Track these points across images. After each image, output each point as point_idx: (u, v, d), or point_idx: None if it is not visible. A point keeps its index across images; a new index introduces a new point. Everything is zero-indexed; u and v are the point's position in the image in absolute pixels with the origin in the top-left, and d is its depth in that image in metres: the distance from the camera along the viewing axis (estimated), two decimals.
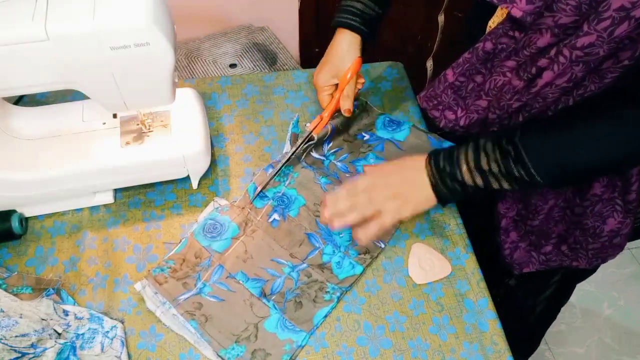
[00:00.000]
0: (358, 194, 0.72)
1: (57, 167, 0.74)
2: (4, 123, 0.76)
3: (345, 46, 0.84)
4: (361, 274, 0.75)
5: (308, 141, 0.84)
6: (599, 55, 0.56)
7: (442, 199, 0.70)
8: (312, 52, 1.57)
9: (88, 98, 0.68)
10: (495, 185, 0.66)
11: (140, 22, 0.60)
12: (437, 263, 0.77)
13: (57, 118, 0.80)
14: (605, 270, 1.59)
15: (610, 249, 0.76)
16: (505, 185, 0.65)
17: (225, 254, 0.75)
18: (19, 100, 0.86)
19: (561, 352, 1.50)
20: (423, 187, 0.70)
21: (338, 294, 0.73)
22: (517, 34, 0.62)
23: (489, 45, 0.65)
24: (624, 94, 0.61)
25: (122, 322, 0.69)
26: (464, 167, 0.67)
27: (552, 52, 0.59)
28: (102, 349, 0.66)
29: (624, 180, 0.71)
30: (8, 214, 0.75)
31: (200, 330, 0.68)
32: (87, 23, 0.58)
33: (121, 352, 0.66)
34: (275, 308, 0.71)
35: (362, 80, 0.90)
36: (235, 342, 0.68)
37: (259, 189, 0.80)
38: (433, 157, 0.69)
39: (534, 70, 0.62)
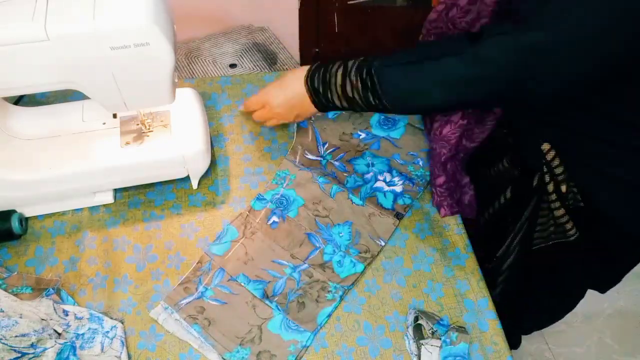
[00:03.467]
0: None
1: (57, 167, 0.74)
2: (4, 123, 0.76)
3: None
4: (362, 272, 0.75)
5: None
6: None
7: (322, 109, 0.80)
8: (312, 52, 1.57)
9: (88, 98, 0.68)
10: (358, 109, 0.76)
11: (140, 22, 0.60)
12: None
13: (57, 118, 0.80)
14: None
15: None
16: (365, 110, 0.76)
17: (225, 257, 0.75)
18: (19, 100, 0.86)
19: (561, 352, 1.49)
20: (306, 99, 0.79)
21: (340, 292, 0.73)
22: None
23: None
24: (476, 34, 0.66)
25: (122, 322, 0.69)
26: (334, 93, 0.75)
27: None
28: (102, 349, 0.66)
29: None
30: (8, 214, 0.75)
31: (203, 334, 0.68)
32: (87, 23, 0.58)
33: (121, 352, 0.66)
34: (278, 309, 0.71)
35: None
36: (240, 344, 0.68)
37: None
38: (309, 78, 0.77)
39: None
